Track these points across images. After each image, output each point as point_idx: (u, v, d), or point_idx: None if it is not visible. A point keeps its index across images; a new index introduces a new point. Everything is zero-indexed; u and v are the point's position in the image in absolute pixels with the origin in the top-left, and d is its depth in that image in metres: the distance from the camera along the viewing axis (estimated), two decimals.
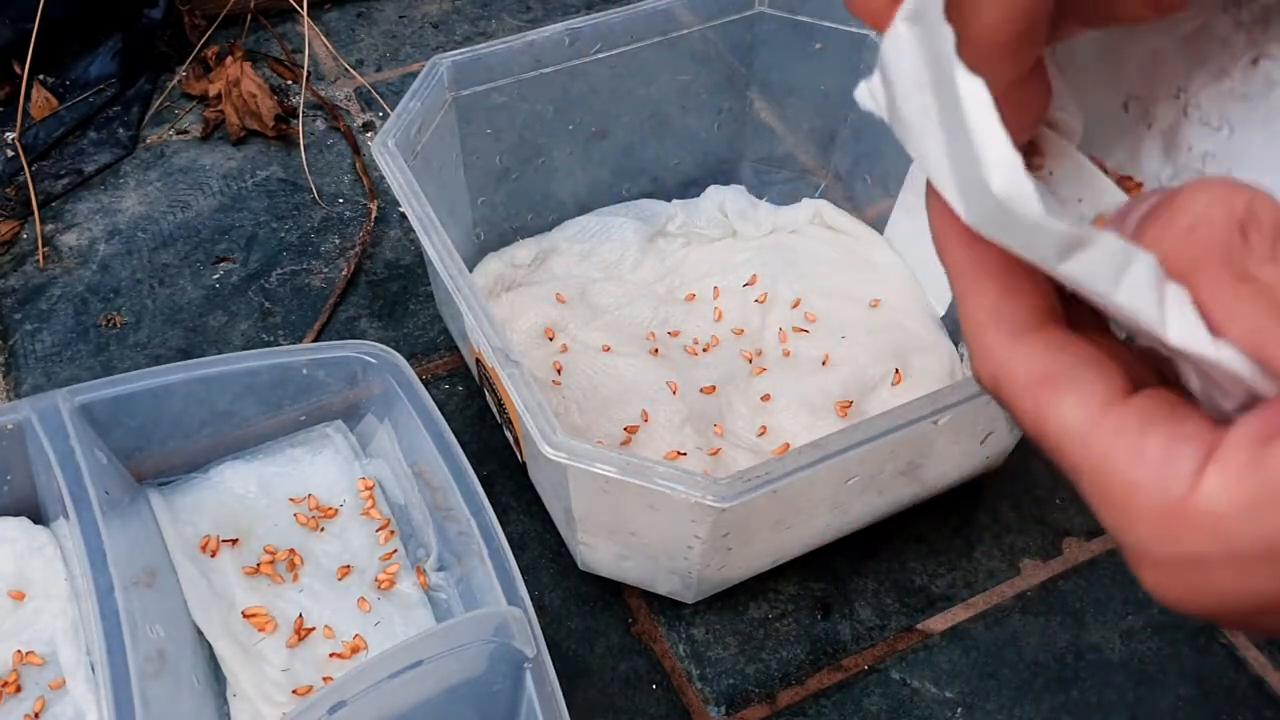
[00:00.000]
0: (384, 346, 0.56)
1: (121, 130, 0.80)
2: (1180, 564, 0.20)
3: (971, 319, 0.23)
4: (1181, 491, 0.19)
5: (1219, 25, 0.25)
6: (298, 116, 0.82)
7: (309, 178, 0.78)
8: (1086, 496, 0.21)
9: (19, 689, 0.50)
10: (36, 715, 0.49)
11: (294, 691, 0.50)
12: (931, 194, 0.24)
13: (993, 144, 0.20)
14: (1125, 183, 0.27)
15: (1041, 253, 0.20)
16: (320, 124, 0.83)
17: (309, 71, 0.85)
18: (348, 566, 0.54)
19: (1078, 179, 0.26)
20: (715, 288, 0.69)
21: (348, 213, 0.76)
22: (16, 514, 0.54)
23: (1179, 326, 0.20)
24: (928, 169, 0.22)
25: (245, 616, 0.52)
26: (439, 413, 0.54)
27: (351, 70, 0.86)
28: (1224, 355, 0.20)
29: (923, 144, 0.22)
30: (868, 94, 0.24)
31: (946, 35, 0.20)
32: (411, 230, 0.70)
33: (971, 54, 0.21)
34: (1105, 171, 0.27)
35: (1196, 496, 0.19)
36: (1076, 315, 0.24)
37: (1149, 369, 0.23)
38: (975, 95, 0.20)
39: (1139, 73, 0.26)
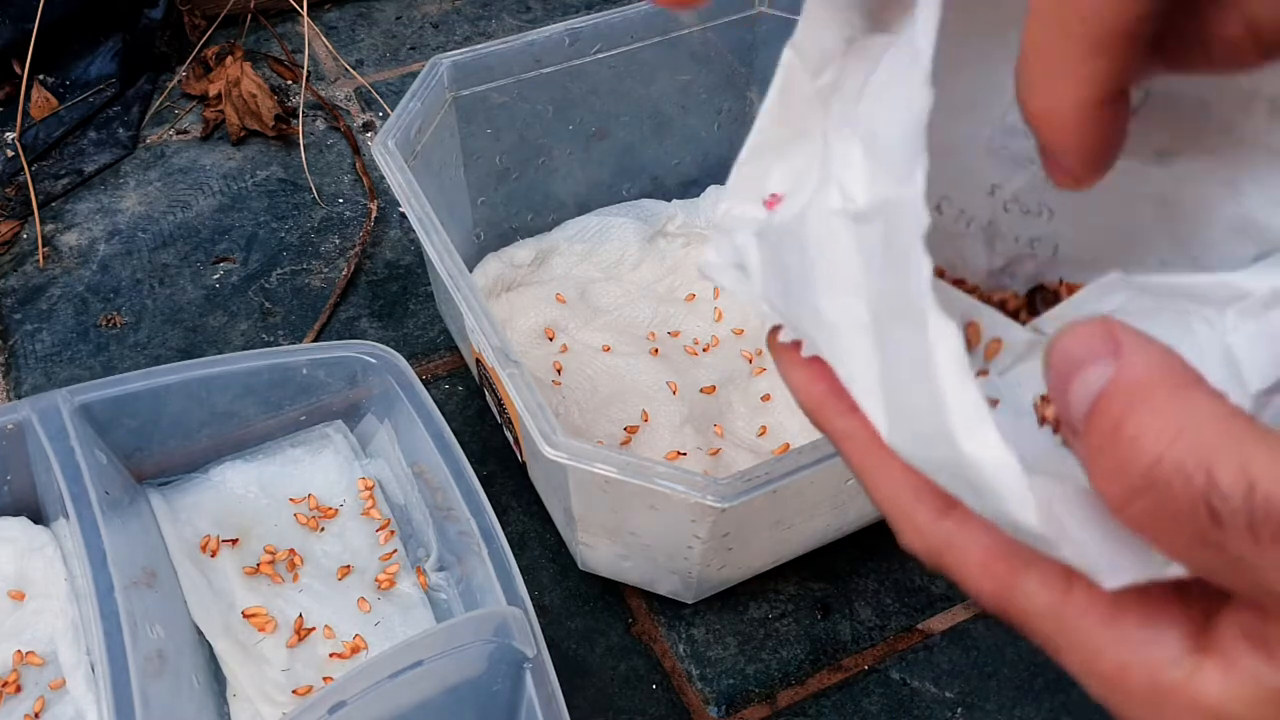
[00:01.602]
0: (384, 346, 0.56)
1: (121, 130, 0.80)
2: None
3: (887, 497, 0.22)
4: (1177, 678, 0.19)
5: (1016, 120, 0.24)
6: (298, 116, 0.82)
7: (309, 178, 0.78)
8: (1071, 670, 0.20)
9: (19, 689, 0.50)
10: (36, 715, 0.49)
11: (294, 691, 0.50)
12: (789, 357, 0.23)
13: (965, 403, 0.18)
14: (961, 285, 0.27)
15: (988, 511, 0.19)
16: (320, 124, 0.83)
17: (309, 71, 0.85)
18: (348, 566, 0.54)
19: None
20: (715, 288, 0.69)
21: (348, 213, 0.76)
22: (16, 514, 0.54)
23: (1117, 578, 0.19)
24: (841, 374, 0.20)
25: (245, 616, 0.52)
26: (439, 413, 0.54)
27: (351, 70, 0.86)
28: None
29: (838, 346, 0.20)
30: (720, 266, 0.22)
31: (923, 264, 0.18)
32: (411, 230, 0.70)
33: (1068, 39, 0.19)
34: (945, 279, 0.26)
35: (1196, 685, 0.19)
36: None
37: None
38: (949, 341, 0.18)
39: (947, 176, 0.25)
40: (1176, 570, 0.18)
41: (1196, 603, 0.20)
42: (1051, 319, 0.25)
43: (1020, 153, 0.26)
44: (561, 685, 0.44)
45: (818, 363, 0.23)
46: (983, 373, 0.24)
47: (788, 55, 0.23)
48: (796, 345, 0.23)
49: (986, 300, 0.26)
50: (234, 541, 0.54)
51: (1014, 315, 0.26)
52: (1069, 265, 0.27)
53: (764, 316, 0.23)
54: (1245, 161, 0.24)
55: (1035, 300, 0.27)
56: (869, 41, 0.22)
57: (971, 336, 0.25)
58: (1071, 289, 0.26)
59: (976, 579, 0.21)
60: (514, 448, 0.62)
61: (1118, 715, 0.20)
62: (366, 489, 0.57)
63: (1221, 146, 0.24)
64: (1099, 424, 0.18)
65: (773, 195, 0.23)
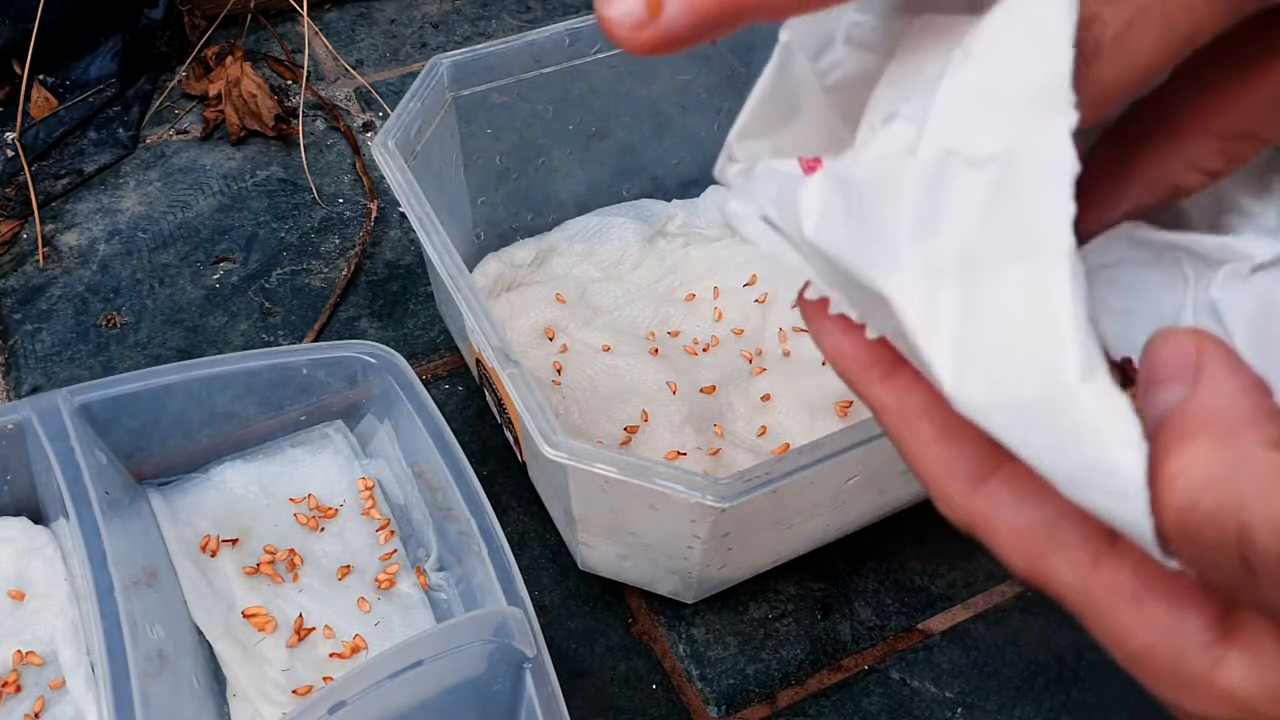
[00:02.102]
0: (384, 346, 0.56)
1: (121, 130, 0.80)
2: (1208, 718, 0.20)
3: (922, 469, 0.22)
4: (1201, 667, 0.19)
5: None
6: (298, 116, 0.82)
7: (309, 178, 0.78)
8: (1100, 642, 0.21)
9: (19, 689, 0.50)
10: (36, 715, 0.49)
11: (294, 691, 0.50)
12: (822, 318, 0.22)
13: (1088, 342, 0.18)
14: None
15: (1072, 459, 0.19)
16: (320, 124, 0.83)
17: (309, 71, 0.85)
18: (348, 566, 0.54)
19: None
20: (715, 288, 0.69)
21: (348, 213, 0.76)
22: (16, 514, 0.54)
23: None
24: (905, 317, 0.20)
25: (245, 616, 0.52)
26: (439, 413, 0.54)
27: (351, 70, 0.86)
28: None
29: (912, 292, 0.20)
30: (747, 217, 0.22)
31: (1067, 204, 0.18)
32: (411, 230, 0.70)
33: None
34: None
35: (1220, 674, 0.19)
36: None
37: None
38: (1079, 280, 0.18)
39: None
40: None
41: (1211, 593, 0.20)
42: None
43: None
44: (561, 685, 0.44)
45: (852, 328, 0.22)
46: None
47: (785, 35, 0.22)
48: (827, 303, 0.23)
49: None
50: (234, 541, 0.54)
51: None
52: None
53: (799, 269, 0.23)
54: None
55: None
56: (929, 22, 0.21)
57: None
58: None
59: (1007, 553, 0.21)
60: (514, 448, 0.61)
61: (1149, 690, 0.20)
62: (366, 489, 0.57)
63: None
64: (1155, 446, 0.18)
65: (810, 159, 0.22)
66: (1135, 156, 0.22)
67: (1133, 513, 0.18)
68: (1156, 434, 0.19)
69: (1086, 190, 0.22)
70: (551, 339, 0.65)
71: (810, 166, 0.22)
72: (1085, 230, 0.22)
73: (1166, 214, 0.24)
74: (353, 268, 0.72)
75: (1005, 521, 0.21)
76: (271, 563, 0.54)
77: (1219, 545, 0.18)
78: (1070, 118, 0.18)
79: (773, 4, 0.20)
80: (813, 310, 0.23)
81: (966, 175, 0.19)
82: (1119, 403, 0.18)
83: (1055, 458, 0.19)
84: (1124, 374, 0.24)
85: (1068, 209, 0.18)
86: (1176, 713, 0.20)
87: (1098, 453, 0.18)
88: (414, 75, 0.69)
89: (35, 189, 0.76)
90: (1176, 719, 0.20)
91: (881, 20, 0.22)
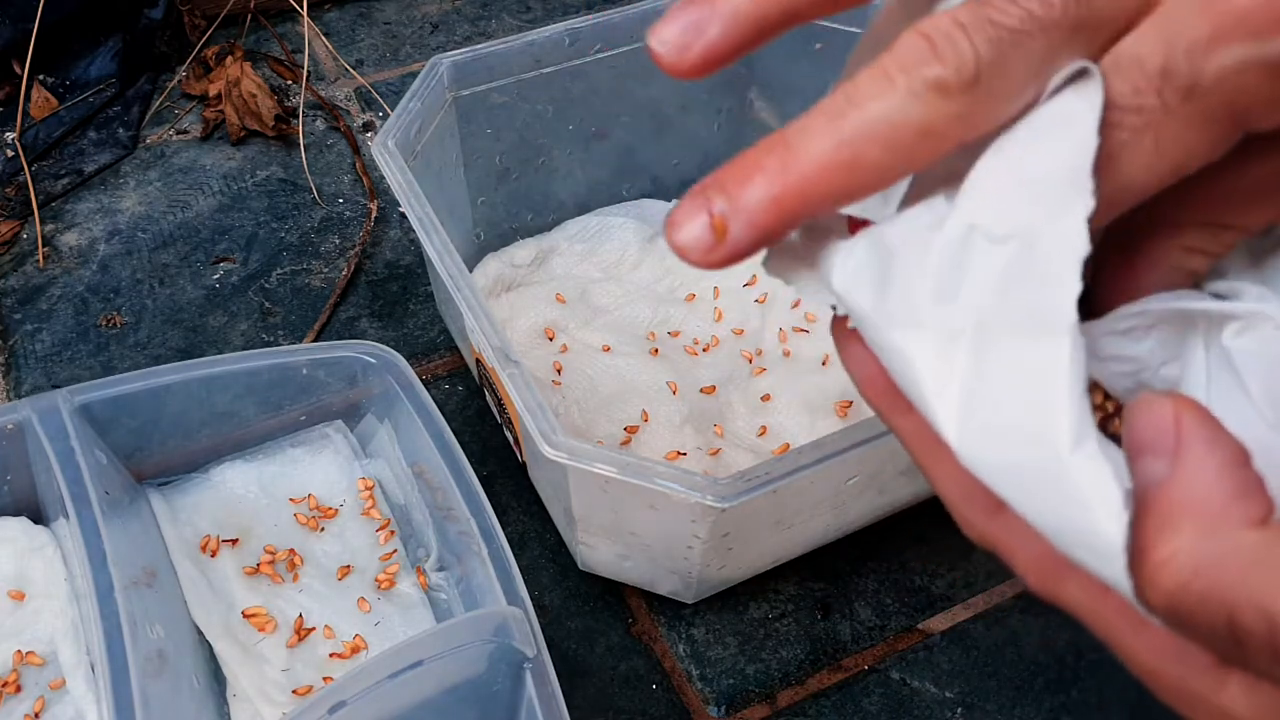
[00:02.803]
0: (384, 346, 0.56)
1: (121, 130, 0.80)
2: None
3: (944, 494, 0.24)
4: (1204, 689, 0.20)
5: None
6: (298, 116, 0.82)
7: (309, 178, 0.78)
8: (1112, 650, 0.22)
9: (19, 689, 0.50)
10: (36, 715, 0.49)
11: (294, 691, 0.50)
12: (853, 344, 0.24)
13: (1081, 413, 0.19)
14: None
15: (1060, 520, 0.20)
16: (320, 124, 0.83)
17: (309, 71, 0.85)
18: (348, 566, 0.54)
19: None
20: (715, 288, 0.69)
21: (348, 213, 0.76)
22: (16, 514, 0.54)
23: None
24: (914, 374, 0.22)
25: (245, 616, 0.52)
26: (439, 413, 0.54)
27: (351, 70, 0.86)
28: None
29: (925, 350, 0.21)
30: (848, 286, 0.23)
31: (1074, 284, 0.20)
32: (411, 230, 0.70)
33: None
34: None
35: (1222, 699, 0.20)
36: None
37: None
38: (1079, 355, 0.20)
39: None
40: None
41: None
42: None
43: None
44: (561, 685, 0.44)
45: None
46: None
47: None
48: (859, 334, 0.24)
49: None
50: (234, 541, 0.54)
51: None
52: None
53: (837, 307, 0.24)
54: None
55: None
56: None
57: None
58: None
59: (1024, 573, 0.22)
60: (514, 448, 0.61)
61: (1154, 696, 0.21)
62: (366, 489, 0.57)
63: None
64: (1141, 529, 0.19)
65: (855, 219, 0.24)
66: (1141, 246, 0.23)
67: (1114, 573, 0.20)
68: (1141, 511, 0.20)
69: (1099, 279, 0.24)
70: (551, 339, 0.65)
71: (854, 227, 0.24)
72: (1099, 312, 0.24)
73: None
74: (353, 268, 0.72)
75: (1020, 548, 0.22)
76: (271, 563, 0.54)
77: (1209, 625, 0.19)
78: (1088, 204, 0.20)
79: (824, 203, 0.21)
80: (844, 337, 0.24)
81: (988, 250, 0.21)
82: (1103, 472, 0.19)
83: (1045, 515, 0.20)
84: None
85: (1074, 288, 0.20)
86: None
87: (1082, 517, 0.20)
88: (414, 75, 0.69)
89: (35, 189, 0.76)
90: None
91: None
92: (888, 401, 0.23)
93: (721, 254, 0.22)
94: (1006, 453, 0.21)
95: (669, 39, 0.22)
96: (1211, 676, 0.20)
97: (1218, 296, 0.24)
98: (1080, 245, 0.20)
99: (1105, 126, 0.20)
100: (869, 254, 0.23)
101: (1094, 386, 0.25)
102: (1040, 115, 0.21)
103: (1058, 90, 0.21)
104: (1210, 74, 0.19)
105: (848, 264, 0.23)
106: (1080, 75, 0.21)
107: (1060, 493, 0.20)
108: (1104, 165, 0.20)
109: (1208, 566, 0.19)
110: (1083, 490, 0.19)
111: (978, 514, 0.23)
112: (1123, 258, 0.24)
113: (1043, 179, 0.21)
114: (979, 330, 0.21)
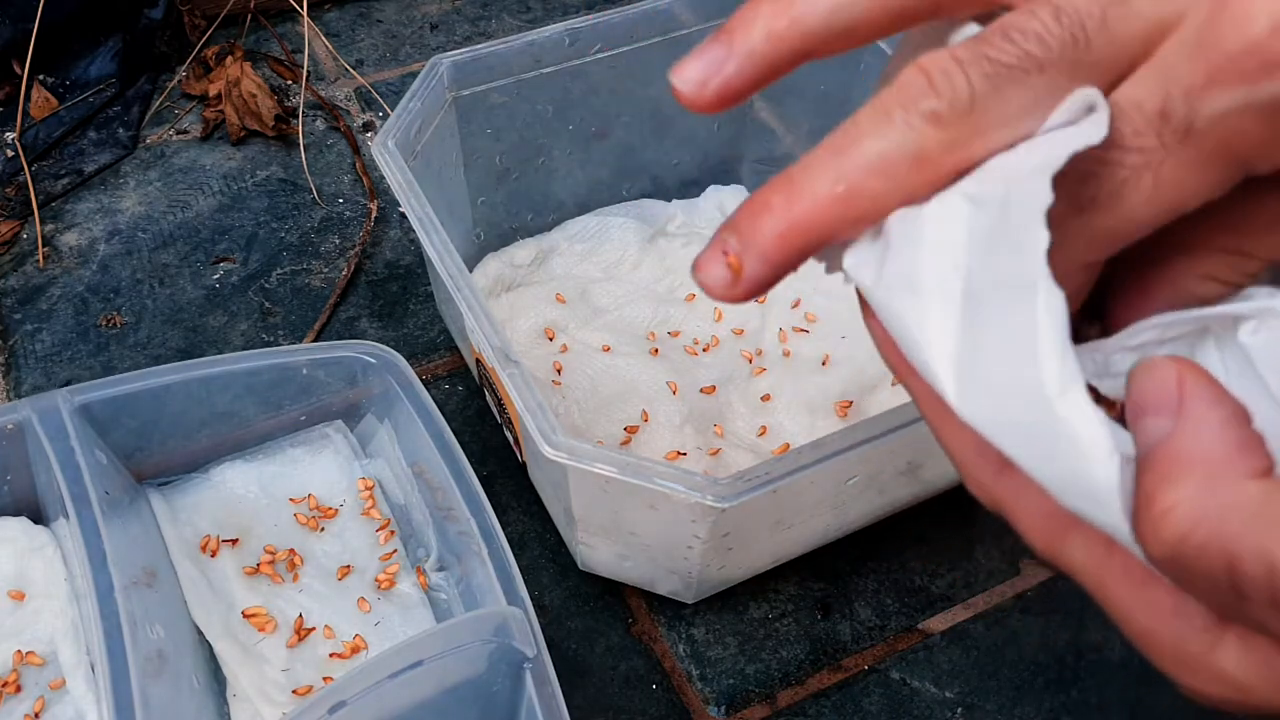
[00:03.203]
0: (384, 346, 0.56)
1: (121, 130, 0.80)
2: (1206, 696, 0.21)
3: (953, 450, 0.24)
4: (1199, 648, 0.21)
5: None
6: (298, 116, 0.82)
7: (309, 178, 0.78)
8: (1111, 617, 0.22)
9: (19, 689, 0.50)
10: (36, 715, 0.49)
11: (294, 691, 0.50)
12: (877, 325, 0.24)
13: (1066, 363, 0.20)
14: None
15: (1057, 470, 0.21)
16: (320, 124, 0.83)
17: (309, 71, 0.85)
18: (348, 566, 0.54)
19: None
20: None
21: (348, 213, 0.76)
22: (16, 514, 0.54)
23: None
24: (916, 344, 0.23)
25: (245, 616, 0.52)
26: (439, 413, 0.54)
27: (351, 70, 0.86)
28: None
29: (924, 315, 0.22)
30: (855, 265, 0.24)
31: (1041, 237, 0.20)
32: (411, 230, 0.70)
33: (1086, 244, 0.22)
34: None
35: (1217, 657, 0.20)
36: None
37: None
38: (1058, 305, 0.20)
39: None
40: None
41: None
42: (1086, 352, 0.27)
43: None
44: (561, 685, 0.44)
45: None
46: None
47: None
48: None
49: None
50: (234, 541, 0.54)
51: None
52: None
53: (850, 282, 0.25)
54: None
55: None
56: None
57: None
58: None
59: (1029, 532, 0.23)
60: (514, 448, 0.62)
61: (1150, 662, 0.22)
62: (366, 489, 0.57)
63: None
64: (1144, 481, 0.20)
65: None
66: (1154, 274, 0.24)
67: (1110, 517, 0.20)
68: (1144, 467, 0.20)
69: (1113, 298, 0.24)
70: (551, 339, 0.65)
71: None
72: (1112, 331, 0.24)
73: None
74: (353, 268, 0.72)
75: (1026, 506, 0.23)
76: (271, 563, 0.54)
77: (1210, 575, 0.19)
78: (1055, 166, 0.21)
79: (828, 234, 0.23)
80: (865, 303, 0.25)
81: (972, 213, 0.22)
82: (1092, 417, 0.20)
83: (1042, 466, 0.21)
84: None
85: (1042, 240, 0.21)
86: (1177, 686, 0.21)
87: (1075, 463, 0.20)
88: (414, 75, 0.69)
89: (35, 189, 0.76)
90: (1180, 694, 0.22)
91: None
92: (902, 364, 0.24)
93: (741, 289, 0.23)
94: (1002, 407, 0.21)
95: (690, 77, 0.25)
96: (1210, 635, 0.20)
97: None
98: (1045, 196, 0.21)
99: (1106, 165, 0.21)
100: (872, 238, 0.24)
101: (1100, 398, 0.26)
102: (1035, 139, 0.22)
103: (1063, 124, 0.22)
104: (1205, 117, 0.20)
105: (860, 245, 0.24)
106: (1089, 111, 0.22)
107: (1053, 441, 0.20)
108: (1106, 201, 0.21)
109: (1209, 516, 0.19)
110: (1073, 436, 0.20)
111: (986, 473, 0.23)
112: (1137, 279, 0.25)
113: (1021, 165, 0.22)
114: (968, 291, 0.22)
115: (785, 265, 0.23)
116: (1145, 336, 0.25)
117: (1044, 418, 0.20)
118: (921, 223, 0.22)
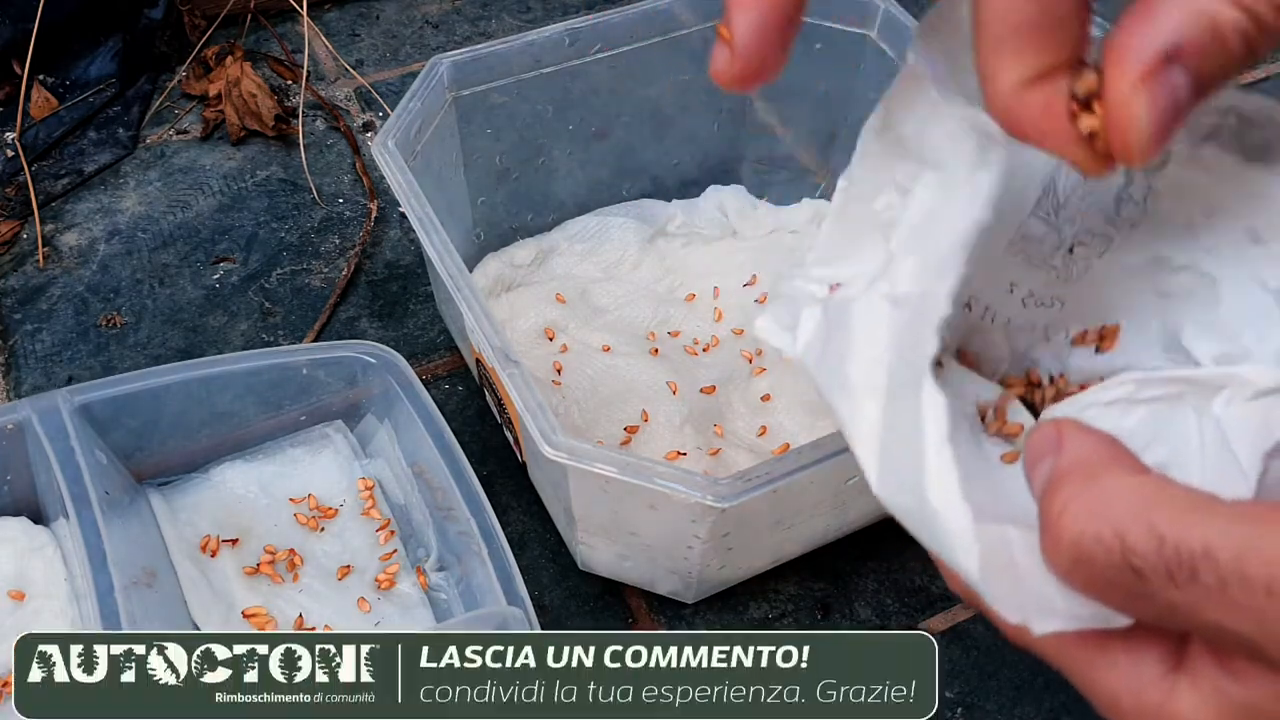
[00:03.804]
0: (384, 346, 0.56)
1: (121, 130, 0.80)
2: None
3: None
4: (1158, 697, 0.22)
5: (1032, 227, 0.30)
6: (298, 116, 0.82)
7: (309, 178, 0.78)
8: (1077, 687, 0.24)
9: None
10: None
11: None
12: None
13: (940, 460, 0.23)
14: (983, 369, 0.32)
15: (944, 557, 0.24)
16: (320, 124, 0.83)
17: (309, 71, 0.85)
18: (348, 566, 0.54)
19: (960, 378, 0.31)
20: (715, 288, 0.69)
21: (348, 213, 0.76)
22: (16, 514, 0.54)
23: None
24: (847, 428, 0.25)
25: (245, 616, 0.52)
26: (439, 413, 0.54)
27: (351, 70, 0.86)
28: None
29: (852, 405, 0.25)
30: (775, 329, 0.28)
31: (930, 344, 0.23)
32: (411, 230, 0.70)
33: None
34: (978, 370, 0.32)
35: (1173, 704, 0.22)
36: None
37: None
38: (936, 408, 0.23)
39: (977, 278, 0.31)
40: (1123, 620, 0.22)
41: (1165, 632, 0.23)
42: (1063, 409, 0.29)
43: (1036, 254, 0.31)
44: None
45: None
46: (1011, 456, 0.29)
47: (842, 184, 0.28)
48: None
49: (1008, 384, 0.31)
50: (234, 541, 0.55)
51: (1033, 399, 0.31)
52: (1080, 355, 0.32)
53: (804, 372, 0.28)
54: (1228, 277, 0.28)
55: (1055, 382, 0.32)
56: (926, 178, 0.27)
57: (996, 416, 0.30)
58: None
59: (996, 623, 0.25)
60: (514, 448, 0.62)
61: None
62: (366, 489, 0.57)
63: (1205, 262, 0.28)
64: (1043, 507, 0.22)
65: (834, 285, 0.28)
66: None
67: (984, 600, 0.23)
68: (1042, 498, 0.22)
69: (1120, 25, 0.22)
70: (551, 339, 0.65)
71: (832, 290, 0.28)
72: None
73: (1175, 353, 0.29)
74: (353, 268, 0.72)
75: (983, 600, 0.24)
76: (271, 563, 0.54)
77: (1108, 563, 0.20)
78: (958, 273, 0.24)
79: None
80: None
81: (894, 313, 0.24)
82: (959, 510, 0.22)
83: (934, 548, 0.24)
84: None
85: (930, 348, 0.23)
86: None
87: (948, 550, 0.23)
88: (414, 75, 0.69)
89: (35, 189, 0.76)
90: None
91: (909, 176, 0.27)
92: None
93: (740, 66, 0.25)
94: (902, 494, 0.24)
95: (718, 67, 0.26)
96: (1166, 682, 0.22)
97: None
98: (940, 307, 0.23)
99: None
100: (820, 323, 0.27)
101: (1002, 411, 0.29)
102: (959, 183, 0.25)
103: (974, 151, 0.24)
104: None
105: (807, 329, 0.27)
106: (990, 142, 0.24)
107: (933, 528, 0.23)
108: None
109: (1097, 505, 0.21)
110: (944, 528, 0.23)
111: (946, 569, 0.25)
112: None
113: (938, 248, 0.24)
114: (889, 388, 0.24)
115: (774, 30, 0.25)
116: (1118, 393, 0.27)
117: (924, 508, 0.23)
118: (851, 321, 0.25)
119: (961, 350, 0.32)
